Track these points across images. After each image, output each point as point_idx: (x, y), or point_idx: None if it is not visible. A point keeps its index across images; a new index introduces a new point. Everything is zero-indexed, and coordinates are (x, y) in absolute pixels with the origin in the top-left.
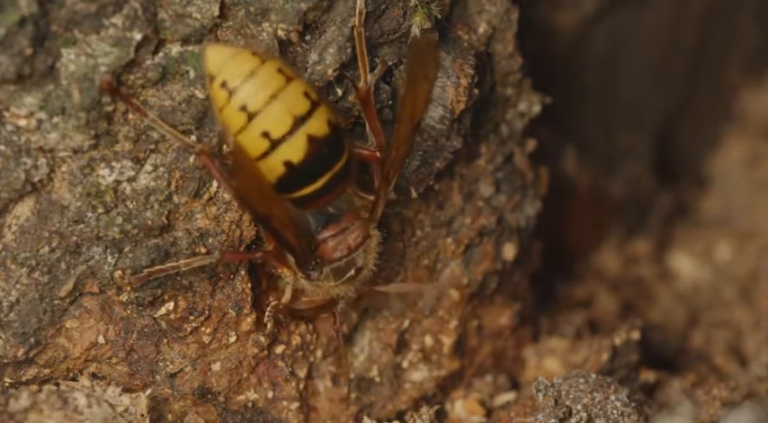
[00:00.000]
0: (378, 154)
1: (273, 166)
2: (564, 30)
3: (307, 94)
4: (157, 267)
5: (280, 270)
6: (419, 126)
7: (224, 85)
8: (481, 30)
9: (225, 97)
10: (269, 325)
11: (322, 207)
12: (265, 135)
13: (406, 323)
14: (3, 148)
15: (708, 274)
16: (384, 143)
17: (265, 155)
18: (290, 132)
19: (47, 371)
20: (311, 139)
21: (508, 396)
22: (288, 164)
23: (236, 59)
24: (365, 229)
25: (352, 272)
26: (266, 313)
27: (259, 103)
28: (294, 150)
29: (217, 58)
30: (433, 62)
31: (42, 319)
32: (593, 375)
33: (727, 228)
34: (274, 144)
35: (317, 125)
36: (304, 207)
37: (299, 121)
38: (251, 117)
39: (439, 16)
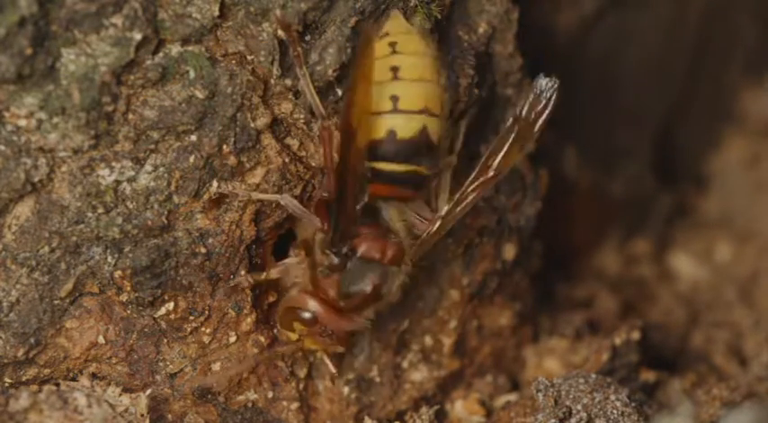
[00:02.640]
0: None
1: (379, 128)
2: (564, 30)
3: (442, 102)
4: (229, 190)
5: (300, 249)
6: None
7: (392, 44)
8: (481, 30)
9: (386, 52)
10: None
11: (386, 196)
12: (394, 99)
13: (406, 323)
14: (3, 148)
15: (708, 274)
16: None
17: (381, 113)
18: (414, 112)
19: (47, 371)
20: (424, 131)
21: (508, 396)
22: (391, 133)
23: (413, 36)
24: (402, 252)
25: (368, 285)
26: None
27: (407, 75)
28: (406, 127)
29: (399, 25)
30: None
31: (42, 319)
32: (593, 375)
33: (727, 228)
34: (395, 110)
35: (435, 128)
36: (371, 184)
37: (424, 111)
38: (394, 78)
39: (439, 16)
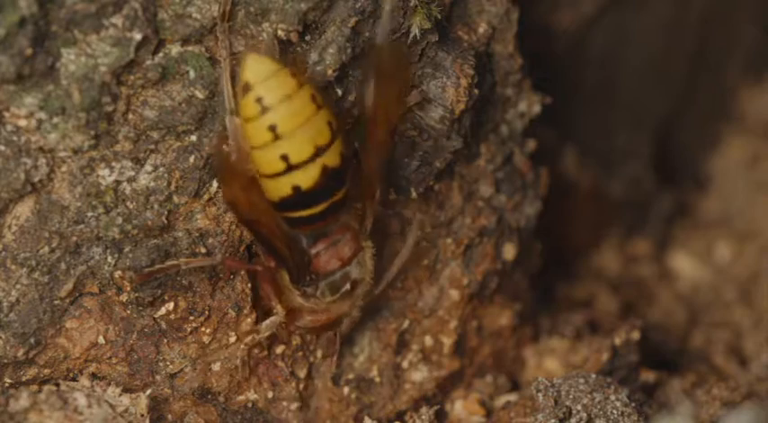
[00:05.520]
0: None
1: (281, 187)
2: (564, 30)
3: (330, 125)
4: (158, 267)
5: (273, 304)
6: (396, 130)
7: (259, 100)
8: (481, 30)
9: (256, 112)
10: (239, 356)
11: (315, 230)
12: (284, 158)
13: (406, 323)
14: (3, 148)
15: (708, 274)
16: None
17: (277, 175)
18: (309, 161)
19: (47, 371)
20: (325, 170)
21: (508, 396)
22: (296, 188)
23: (277, 78)
24: (356, 241)
25: (348, 286)
26: (242, 335)
27: (288, 128)
28: (307, 177)
29: (258, 70)
30: (403, 66)
31: (42, 319)
32: (593, 375)
33: (727, 228)
34: (290, 168)
35: (333, 156)
36: (298, 228)
37: (319, 152)
38: (276, 138)
39: (439, 16)
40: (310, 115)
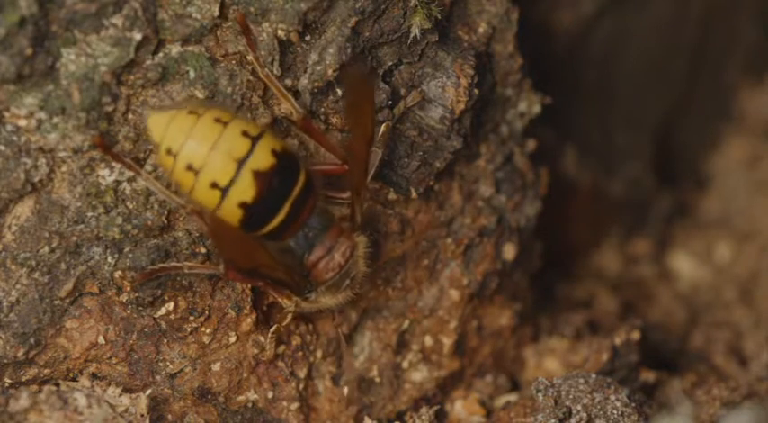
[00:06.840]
0: (345, 166)
1: (231, 212)
2: (564, 30)
3: (245, 133)
4: (160, 266)
5: (280, 300)
6: (373, 142)
7: (169, 151)
8: (481, 30)
9: (171, 162)
10: (269, 350)
11: (299, 230)
12: (214, 186)
13: (406, 323)
14: (3, 148)
15: (708, 274)
16: (346, 159)
17: (220, 204)
18: (236, 176)
19: (47, 371)
20: (257, 175)
21: (508, 396)
22: (243, 205)
23: (175, 122)
24: (351, 241)
25: (348, 281)
26: (269, 337)
27: (200, 158)
28: (243, 191)
29: (158, 126)
30: (369, 88)
31: (42, 319)
32: (593, 375)
33: (727, 228)
34: (224, 191)
35: (260, 159)
36: (281, 238)
37: (242, 163)
38: (197, 173)
39: (439, 16)
40: (217, 136)
